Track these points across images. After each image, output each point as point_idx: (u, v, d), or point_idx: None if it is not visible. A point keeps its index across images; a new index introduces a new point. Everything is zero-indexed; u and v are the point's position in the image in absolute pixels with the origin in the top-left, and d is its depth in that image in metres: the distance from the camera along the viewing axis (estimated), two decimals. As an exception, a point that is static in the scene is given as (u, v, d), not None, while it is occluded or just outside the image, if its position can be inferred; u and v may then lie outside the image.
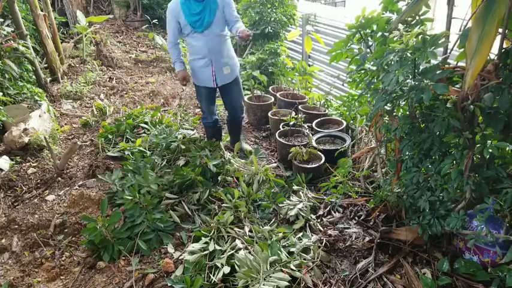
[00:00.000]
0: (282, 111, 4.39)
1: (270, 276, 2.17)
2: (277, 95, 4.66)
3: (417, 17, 2.09)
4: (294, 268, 2.30)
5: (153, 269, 2.46)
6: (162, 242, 2.68)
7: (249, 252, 2.36)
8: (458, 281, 2.14)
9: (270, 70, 5.14)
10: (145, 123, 4.15)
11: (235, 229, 2.64)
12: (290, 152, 3.45)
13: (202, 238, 2.55)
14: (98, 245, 2.56)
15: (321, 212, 2.96)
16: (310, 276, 2.33)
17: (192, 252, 2.42)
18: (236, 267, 2.27)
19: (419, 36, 1.84)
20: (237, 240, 2.52)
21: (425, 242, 2.37)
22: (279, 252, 2.39)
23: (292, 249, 2.48)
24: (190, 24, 3.05)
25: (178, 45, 3.26)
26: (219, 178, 3.21)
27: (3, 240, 2.74)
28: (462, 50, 1.82)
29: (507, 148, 1.82)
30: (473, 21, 1.54)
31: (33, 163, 3.66)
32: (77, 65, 6.18)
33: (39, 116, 4.09)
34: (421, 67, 1.91)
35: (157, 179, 3.13)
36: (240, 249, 2.41)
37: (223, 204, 2.94)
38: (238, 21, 3.13)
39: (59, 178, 3.43)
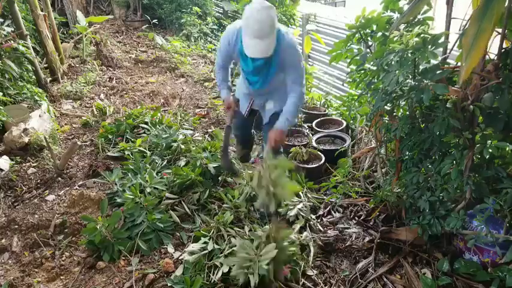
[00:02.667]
0: (282, 111, 4.39)
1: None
2: (277, 95, 4.66)
3: (418, 16, 2.09)
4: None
5: (153, 269, 2.46)
6: (162, 242, 2.68)
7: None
8: (458, 281, 2.15)
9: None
10: (145, 123, 4.14)
11: (235, 229, 2.64)
12: (290, 152, 3.45)
13: (202, 238, 2.55)
14: (98, 245, 2.56)
15: (321, 212, 2.96)
16: (311, 276, 2.33)
17: (192, 252, 2.43)
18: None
19: (420, 36, 1.84)
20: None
21: (425, 242, 2.37)
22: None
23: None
24: (246, 77, 2.62)
25: (226, 68, 2.71)
26: (219, 178, 3.21)
27: (3, 240, 2.74)
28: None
29: (507, 148, 1.82)
30: (472, 17, 1.54)
31: (33, 163, 3.66)
32: (77, 65, 6.17)
33: (39, 116, 4.09)
34: (421, 67, 1.91)
35: (159, 179, 3.13)
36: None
37: (224, 205, 2.94)
38: (293, 93, 2.50)
39: (59, 178, 3.43)
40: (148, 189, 3.01)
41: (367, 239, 2.59)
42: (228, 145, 2.83)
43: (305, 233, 2.63)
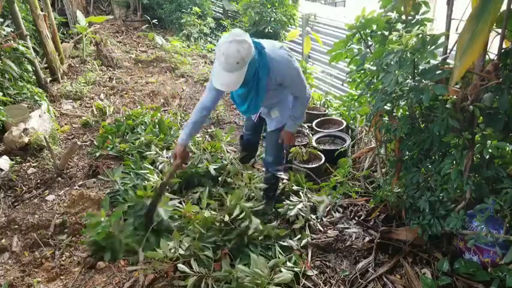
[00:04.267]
0: (282, 111, 4.38)
1: (272, 279, 2.22)
2: (277, 95, 4.66)
3: (417, 16, 2.09)
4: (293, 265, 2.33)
5: (153, 269, 2.46)
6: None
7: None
8: (458, 281, 2.15)
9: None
10: (145, 123, 4.14)
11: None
12: (290, 152, 3.45)
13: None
14: (102, 242, 2.50)
15: (321, 212, 2.96)
16: (310, 276, 2.34)
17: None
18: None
19: (419, 37, 1.84)
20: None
21: (425, 242, 2.37)
22: (277, 253, 2.43)
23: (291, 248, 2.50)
24: (237, 106, 2.59)
25: (206, 110, 2.47)
26: (220, 179, 3.20)
27: (3, 240, 2.74)
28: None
29: (507, 148, 1.82)
30: (468, 19, 1.55)
31: (33, 163, 3.66)
32: (77, 65, 6.17)
33: (39, 116, 4.09)
34: (420, 67, 1.91)
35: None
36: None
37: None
38: (297, 99, 2.54)
39: (59, 178, 3.44)
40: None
41: (367, 239, 2.59)
42: (157, 203, 2.57)
43: (304, 241, 2.62)
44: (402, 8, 2.08)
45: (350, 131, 3.97)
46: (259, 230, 2.50)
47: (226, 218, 2.53)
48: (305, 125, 3.81)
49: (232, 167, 3.18)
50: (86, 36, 6.59)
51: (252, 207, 2.66)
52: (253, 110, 2.49)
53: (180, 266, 2.28)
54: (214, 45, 7.74)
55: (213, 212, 2.71)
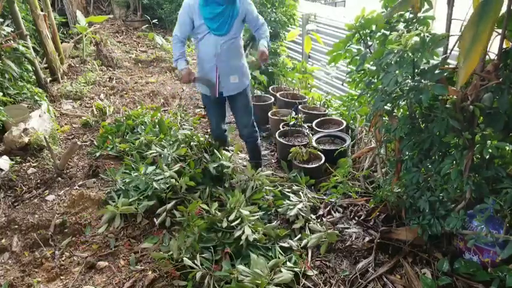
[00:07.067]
0: (282, 111, 4.39)
1: (272, 279, 2.22)
2: (277, 95, 4.66)
3: (419, 14, 2.08)
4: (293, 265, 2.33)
5: (153, 269, 2.46)
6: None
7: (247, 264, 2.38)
8: (458, 281, 2.15)
9: (270, 70, 5.13)
10: (145, 123, 4.14)
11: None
12: (290, 152, 3.45)
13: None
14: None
15: (321, 212, 2.95)
16: (310, 276, 2.34)
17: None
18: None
19: (420, 36, 1.83)
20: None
21: (425, 242, 2.37)
22: (277, 253, 2.43)
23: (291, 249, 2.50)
24: (208, 26, 2.79)
25: (184, 42, 2.99)
26: (220, 178, 3.21)
27: (3, 240, 2.74)
28: (462, 50, 1.82)
29: (507, 148, 1.82)
30: (469, 20, 1.54)
31: (33, 163, 3.66)
32: (77, 65, 6.18)
33: (39, 116, 4.09)
34: (420, 67, 1.91)
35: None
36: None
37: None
38: (263, 24, 3.01)
39: (59, 178, 3.43)
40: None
41: (367, 239, 2.59)
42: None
43: (304, 241, 2.62)
44: (409, 7, 2.07)
45: (350, 131, 3.97)
46: (252, 239, 2.48)
47: (225, 222, 2.53)
48: (305, 125, 3.81)
49: (229, 168, 3.18)
50: (86, 36, 6.59)
51: (251, 211, 2.67)
52: (223, 28, 2.79)
53: (186, 261, 2.30)
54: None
55: (214, 211, 2.71)
